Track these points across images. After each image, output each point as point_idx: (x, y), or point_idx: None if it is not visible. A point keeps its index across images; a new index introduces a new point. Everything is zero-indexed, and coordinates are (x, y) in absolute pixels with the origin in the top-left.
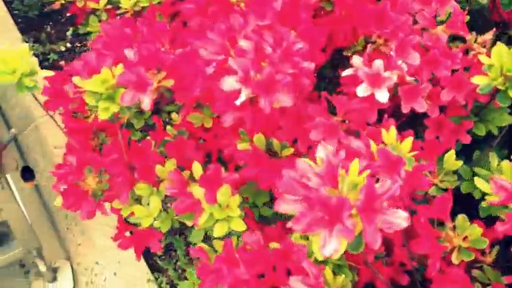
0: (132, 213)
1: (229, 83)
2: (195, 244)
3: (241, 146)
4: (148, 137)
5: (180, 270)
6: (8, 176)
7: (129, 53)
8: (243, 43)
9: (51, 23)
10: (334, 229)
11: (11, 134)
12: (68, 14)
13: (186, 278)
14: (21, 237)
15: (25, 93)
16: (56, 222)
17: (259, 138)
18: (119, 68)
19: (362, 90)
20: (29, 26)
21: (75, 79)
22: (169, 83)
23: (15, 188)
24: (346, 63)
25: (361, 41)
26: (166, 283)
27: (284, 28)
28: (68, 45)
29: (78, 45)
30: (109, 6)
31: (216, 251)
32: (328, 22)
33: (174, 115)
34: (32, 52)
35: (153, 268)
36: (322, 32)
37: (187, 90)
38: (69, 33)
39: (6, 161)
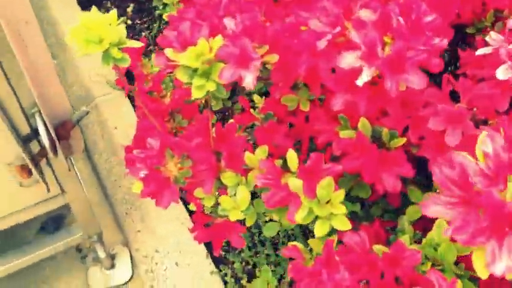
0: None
1: (348, 60)
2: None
3: (344, 133)
4: (231, 120)
5: (244, 263)
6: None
7: (229, 23)
8: (365, 13)
9: None
10: (505, 242)
11: (81, 112)
12: None
13: (250, 273)
14: (83, 222)
15: (107, 65)
16: (114, 206)
17: (364, 125)
18: (218, 40)
19: (503, 72)
20: (90, 1)
21: (168, 51)
22: (274, 58)
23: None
24: (465, 42)
25: (491, 15)
26: (231, 276)
27: None
28: (129, 22)
29: (139, 22)
30: None
31: (311, 252)
32: None
33: (256, 97)
34: None
35: (217, 260)
36: (454, 2)
37: (291, 68)
38: (129, 9)
39: (73, 142)
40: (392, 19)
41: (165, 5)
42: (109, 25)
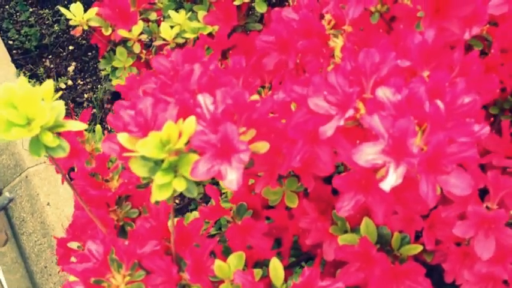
0: None
1: (368, 155)
2: None
3: (345, 239)
4: (195, 214)
5: None
6: None
7: (206, 101)
8: (384, 92)
9: (50, 56)
10: None
11: (2, 198)
12: (71, 48)
13: None
14: None
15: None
16: None
17: (369, 227)
18: (191, 123)
19: None
20: (26, 59)
21: (122, 138)
22: (264, 147)
23: None
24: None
25: None
26: None
27: (443, 72)
28: (69, 82)
29: (81, 82)
30: (143, 36)
31: None
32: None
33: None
34: None
35: None
36: (491, 80)
37: (279, 163)
38: (71, 68)
39: None
40: (423, 101)
41: (114, 68)
42: (41, 101)
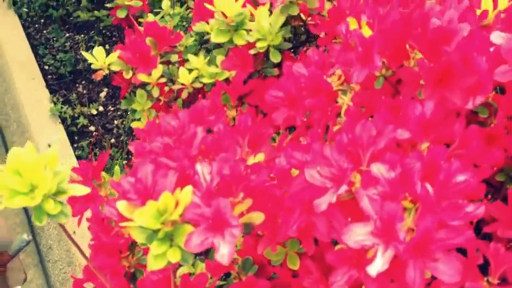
0: None
1: (358, 236)
2: None
3: None
4: (202, 266)
5: None
6: None
7: (203, 171)
8: (378, 168)
9: (84, 82)
10: None
11: (20, 241)
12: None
13: None
14: None
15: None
16: None
17: None
18: (187, 194)
19: None
20: (60, 84)
21: (121, 206)
22: (259, 218)
23: None
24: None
25: None
26: None
27: (440, 147)
28: (100, 108)
29: (112, 109)
30: (162, 80)
31: None
32: (485, 136)
33: None
34: (59, 114)
35: None
36: (491, 155)
37: (278, 229)
38: (103, 94)
39: (12, 274)
40: (415, 181)
41: (134, 111)
42: (45, 168)
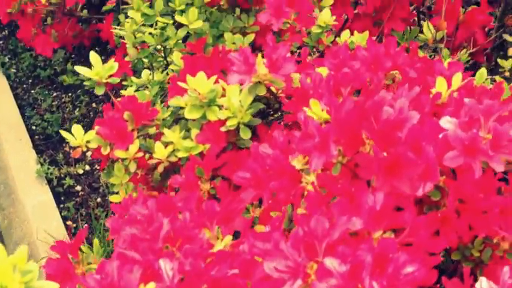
0: None
1: None
2: None
3: None
4: None
5: None
6: None
7: (166, 267)
8: (331, 263)
9: None
10: None
11: None
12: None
13: None
14: None
15: None
16: None
17: None
18: None
19: None
20: (47, 144)
21: None
22: None
23: None
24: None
25: (479, 243)
26: None
27: (390, 239)
28: (87, 167)
29: (98, 167)
30: (139, 154)
31: None
32: (435, 220)
33: None
34: (45, 175)
35: None
36: (438, 243)
37: None
38: (89, 153)
39: None
40: (364, 277)
41: (112, 184)
42: (14, 269)
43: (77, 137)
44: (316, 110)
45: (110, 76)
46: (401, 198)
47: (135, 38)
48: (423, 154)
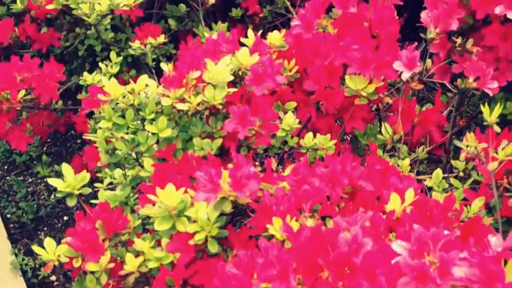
0: None
1: None
2: None
3: None
4: None
5: None
6: None
7: None
8: None
9: (46, 228)
10: None
11: None
12: (65, 218)
13: None
14: None
15: None
16: None
17: None
18: None
19: None
20: (22, 232)
21: None
22: None
23: None
24: None
25: None
26: None
27: None
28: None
29: None
30: (111, 265)
31: None
32: None
33: None
34: (20, 267)
35: None
36: None
37: None
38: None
39: None
40: None
41: None
42: None
43: (49, 250)
44: (278, 229)
45: (83, 186)
46: None
47: (107, 144)
48: (376, 282)
